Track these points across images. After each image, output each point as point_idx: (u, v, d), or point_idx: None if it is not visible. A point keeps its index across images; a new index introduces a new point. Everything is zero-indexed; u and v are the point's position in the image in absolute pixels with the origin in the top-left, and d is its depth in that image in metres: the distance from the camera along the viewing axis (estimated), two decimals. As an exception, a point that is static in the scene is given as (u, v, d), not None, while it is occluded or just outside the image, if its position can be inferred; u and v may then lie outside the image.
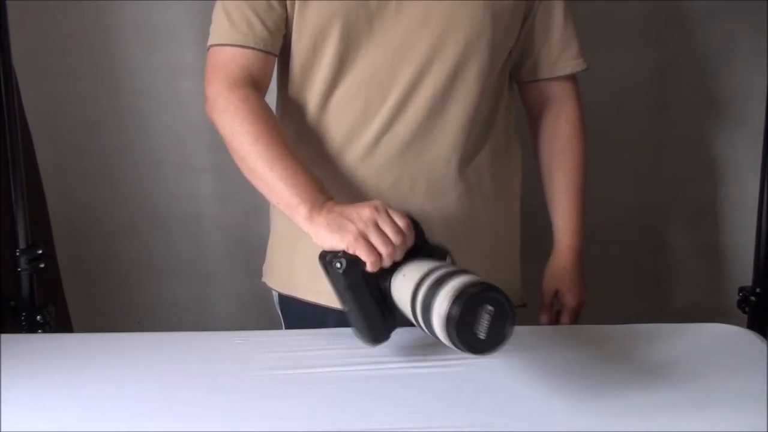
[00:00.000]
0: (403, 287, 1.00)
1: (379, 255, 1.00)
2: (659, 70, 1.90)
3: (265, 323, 1.58)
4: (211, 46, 1.22)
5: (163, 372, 1.09)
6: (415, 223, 1.05)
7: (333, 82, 1.22)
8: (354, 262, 1.01)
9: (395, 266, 1.02)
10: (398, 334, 1.20)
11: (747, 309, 1.64)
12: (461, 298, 0.88)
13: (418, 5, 1.18)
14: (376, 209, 1.03)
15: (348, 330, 1.23)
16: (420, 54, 1.19)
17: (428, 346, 1.15)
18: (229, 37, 1.20)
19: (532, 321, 1.24)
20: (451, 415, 0.96)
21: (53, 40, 1.83)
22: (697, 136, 1.94)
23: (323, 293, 1.28)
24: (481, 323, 0.88)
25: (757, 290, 1.63)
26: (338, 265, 1.01)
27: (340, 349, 1.14)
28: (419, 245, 1.04)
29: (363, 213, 1.03)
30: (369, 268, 1.00)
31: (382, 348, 1.14)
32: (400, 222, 1.02)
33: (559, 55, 1.31)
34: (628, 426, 0.94)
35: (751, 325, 1.61)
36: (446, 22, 1.19)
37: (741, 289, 1.66)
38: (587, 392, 1.02)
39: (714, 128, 1.93)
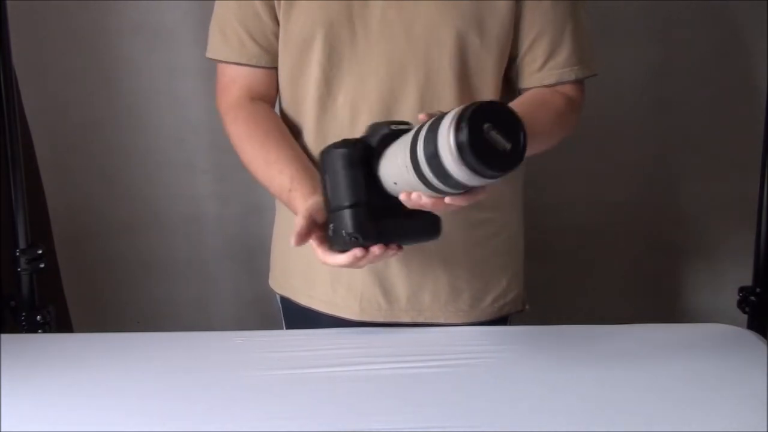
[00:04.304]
0: (394, 160, 0.96)
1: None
2: (659, 70, 1.90)
3: (266, 323, 1.59)
4: (211, 59, 1.27)
5: (163, 372, 1.09)
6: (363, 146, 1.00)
7: (321, 96, 1.20)
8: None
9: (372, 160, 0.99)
10: (398, 334, 1.21)
11: (747, 309, 1.64)
12: (463, 121, 0.82)
13: (400, 16, 1.15)
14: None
15: (348, 330, 1.23)
16: (405, 65, 1.17)
17: (428, 346, 1.15)
18: (224, 54, 1.24)
19: (533, 322, 1.24)
20: (450, 415, 0.96)
21: (53, 40, 1.83)
22: (697, 136, 1.94)
23: (316, 298, 1.28)
24: (495, 138, 0.83)
25: (757, 290, 1.63)
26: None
27: (339, 349, 1.14)
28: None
29: None
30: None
31: (381, 348, 1.14)
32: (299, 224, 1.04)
33: (543, 63, 1.21)
34: (627, 426, 0.94)
35: (751, 325, 1.61)
36: (431, 29, 1.16)
37: (741, 289, 1.66)
38: (586, 392, 1.02)
39: (714, 128, 1.93)
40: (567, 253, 1.99)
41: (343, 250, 1.01)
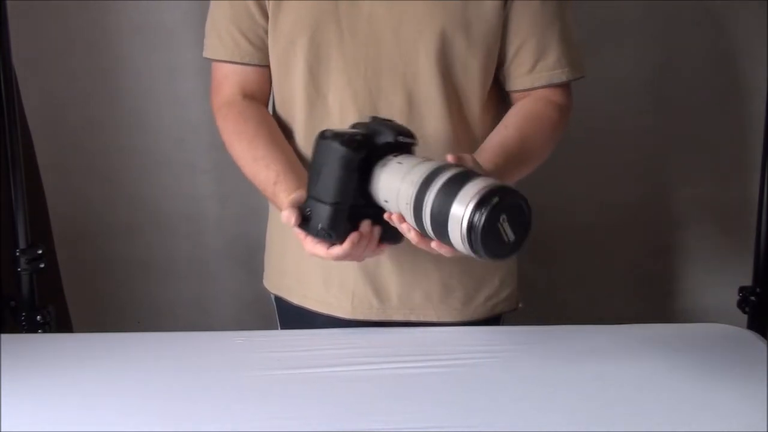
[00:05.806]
0: (392, 183, 0.96)
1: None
2: (659, 70, 1.90)
3: (265, 323, 1.59)
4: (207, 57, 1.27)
5: (163, 372, 1.09)
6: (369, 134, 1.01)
7: (310, 95, 1.20)
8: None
9: (373, 165, 1.00)
10: (398, 334, 1.21)
11: (747, 309, 1.64)
12: (484, 207, 0.83)
13: (387, 16, 1.15)
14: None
15: (347, 330, 1.23)
16: (392, 65, 1.17)
17: (428, 346, 1.15)
18: (218, 53, 1.24)
19: (531, 322, 1.24)
20: (450, 415, 0.96)
21: (53, 40, 1.83)
22: (697, 136, 1.94)
23: (309, 298, 1.29)
24: (504, 230, 0.85)
25: (757, 290, 1.63)
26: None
27: (339, 349, 1.14)
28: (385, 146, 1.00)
29: None
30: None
31: (381, 348, 1.14)
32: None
33: (533, 65, 1.20)
34: (627, 426, 0.94)
35: (751, 325, 1.61)
36: (417, 29, 1.15)
37: (741, 289, 1.66)
38: (586, 392, 1.02)
39: (714, 128, 1.93)
40: (566, 253, 1.99)
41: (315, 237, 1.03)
